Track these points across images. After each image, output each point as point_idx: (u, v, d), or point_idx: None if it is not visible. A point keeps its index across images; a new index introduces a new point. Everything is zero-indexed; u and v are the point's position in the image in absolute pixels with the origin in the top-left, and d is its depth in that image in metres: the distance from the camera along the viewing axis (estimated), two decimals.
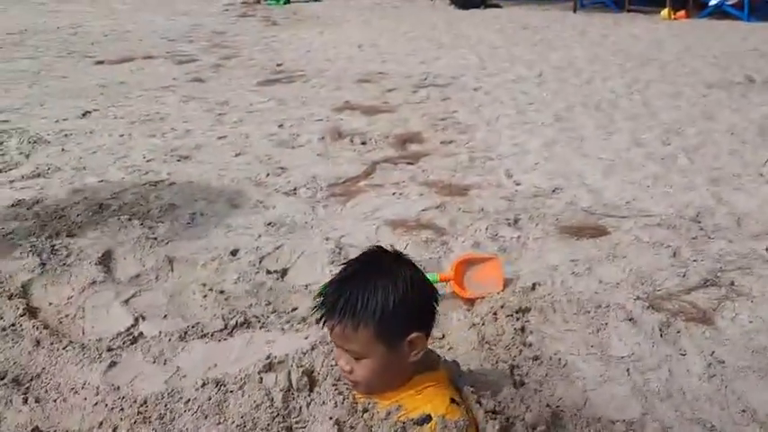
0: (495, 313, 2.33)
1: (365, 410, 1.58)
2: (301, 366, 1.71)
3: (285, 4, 13.72)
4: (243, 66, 7.12)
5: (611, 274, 2.65)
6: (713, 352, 2.12)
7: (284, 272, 2.70)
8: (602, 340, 2.20)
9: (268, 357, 1.85)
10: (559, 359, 2.08)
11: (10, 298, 2.42)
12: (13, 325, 2.26)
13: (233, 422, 1.59)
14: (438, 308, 1.63)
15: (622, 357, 2.10)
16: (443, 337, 2.23)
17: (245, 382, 1.73)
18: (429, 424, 1.49)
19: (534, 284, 2.54)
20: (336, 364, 1.64)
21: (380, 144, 4.34)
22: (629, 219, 3.17)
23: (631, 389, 1.95)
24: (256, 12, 12.30)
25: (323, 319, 1.55)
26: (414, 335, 1.53)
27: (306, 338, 2.06)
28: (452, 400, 1.59)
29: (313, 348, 1.88)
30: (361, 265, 1.58)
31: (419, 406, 1.54)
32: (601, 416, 1.83)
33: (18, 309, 2.34)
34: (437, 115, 5.05)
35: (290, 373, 1.68)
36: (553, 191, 3.54)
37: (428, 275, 2.58)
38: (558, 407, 1.83)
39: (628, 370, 2.04)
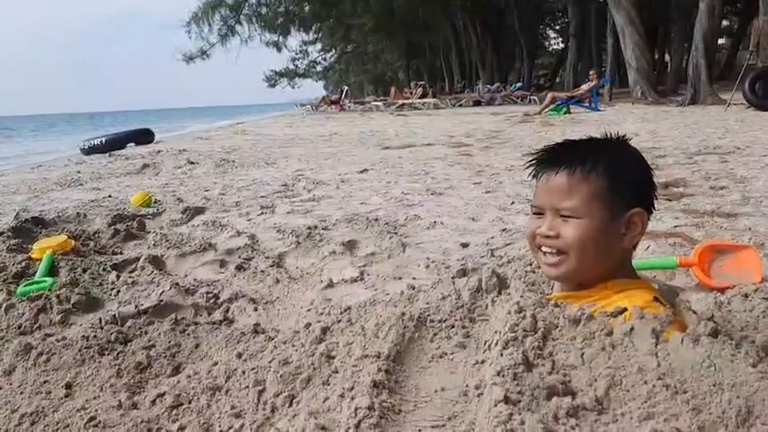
0: (746, 295, 1.96)
1: (556, 305, 1.43)
2: (495, 273, 1.63)
3: (565, 114, 14.02)
4: (510, 146, 7.39)
5: None
6: None
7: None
8: None
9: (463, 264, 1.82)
10: None
11: (266, 258, 2.77)
12: (263, 271, 2.58)
13: (418, 308, 1.58)
14: (656, 195, 1.46)
15: None
16: None
17: (438, 284, 1.71)
18: (623, 315, 1.30)
19: None
20: (534, 240, 1.48)
21: None
22: None
23: None
24: (534, 120, 12.76)
25: (542, 170, 1.42)
26: (636, 209, 1.38)
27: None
28: (656, 299, 1.38)
29: (509, 262, 1.79)
30: (583, 138, 1.48)
31: (617, 302, 1.36)
32: None
33: (269, 261, 2.68)
34: (711, 171, 4.59)
35: (481, 277, 1.62)
36: None
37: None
38: None
39: None
